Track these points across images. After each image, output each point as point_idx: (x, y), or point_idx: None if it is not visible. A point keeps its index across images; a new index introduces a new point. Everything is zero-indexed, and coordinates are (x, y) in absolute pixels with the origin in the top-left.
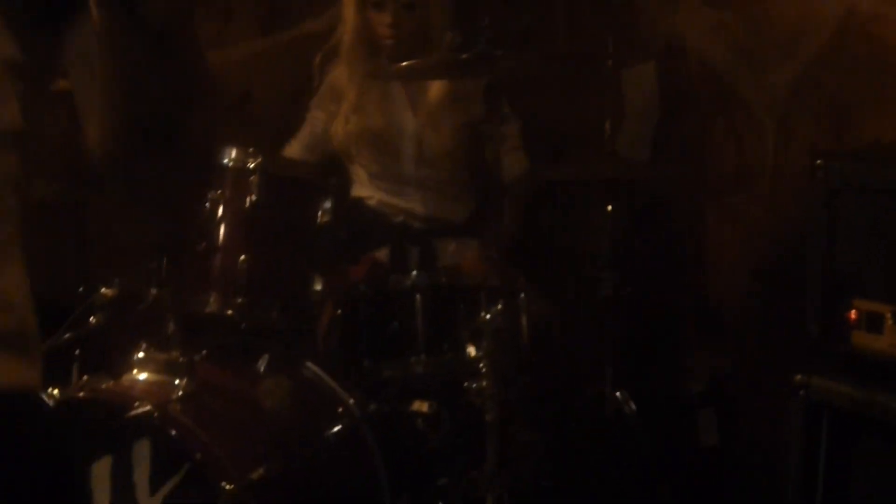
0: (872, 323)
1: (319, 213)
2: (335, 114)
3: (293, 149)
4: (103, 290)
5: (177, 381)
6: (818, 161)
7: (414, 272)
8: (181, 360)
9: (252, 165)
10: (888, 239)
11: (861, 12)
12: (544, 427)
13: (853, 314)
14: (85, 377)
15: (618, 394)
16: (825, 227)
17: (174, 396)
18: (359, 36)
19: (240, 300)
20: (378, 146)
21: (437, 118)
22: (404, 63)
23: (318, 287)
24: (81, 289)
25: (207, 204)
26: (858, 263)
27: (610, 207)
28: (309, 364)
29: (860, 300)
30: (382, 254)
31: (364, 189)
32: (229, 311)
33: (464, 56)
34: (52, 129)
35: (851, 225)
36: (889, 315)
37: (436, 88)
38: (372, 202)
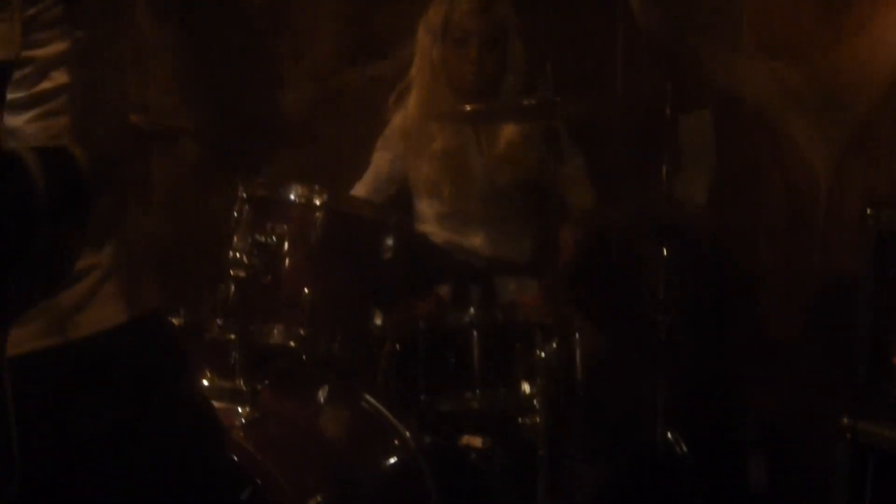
0: None
1: (382, 249)
2: (402, 155)
3: (359, 190)
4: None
5: (240, 409)
6: (869, 209)
7: (471, 309)
8: (245, 388)
9: (318, 201)
10: None
11: None
12: (596, 465)
13: None
14: None
15: (670, 435)
16: (875, 273)
17: (237, 423)
18: (438, 72)
19: (302, 332)
20: (449, 186)
21: (504, 159)
22: (468, 107)
23: (379, 322)
24: None
25: (274, 238)
26: None
27: (666, 251)
28: (368, 396)
29: None
30: (444, 291)
31: (429, 226)
32: (292, 343)
33: (526, 102)
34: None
35: None
36: None
37: (504, 130)
38: (437, 239)
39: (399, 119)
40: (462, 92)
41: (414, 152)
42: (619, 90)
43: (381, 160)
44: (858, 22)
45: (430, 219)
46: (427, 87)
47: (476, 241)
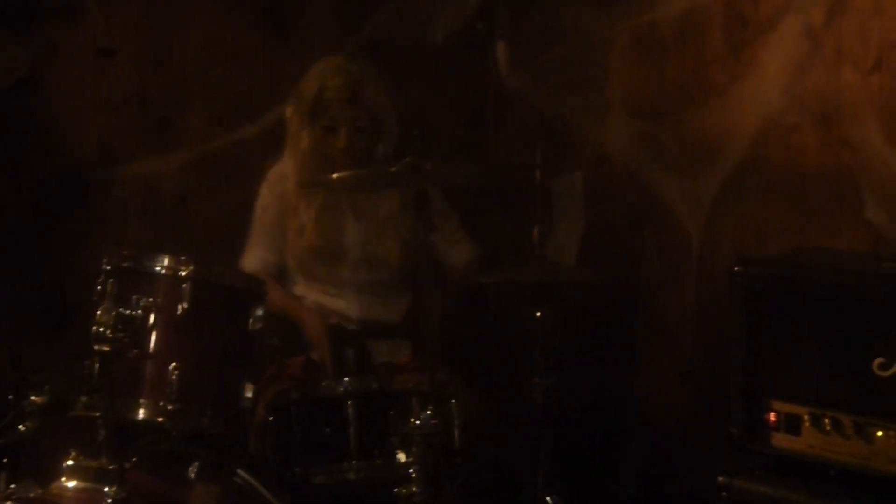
0: (791, 424)
1: (251, 319)
2: (288, 226)
3: (255, 252)
4: (33, 397)
5: (106, 489)
6: (737, 267)
7: (346, 378)
8: (111, 467)
9: (184, 273)
10: (805, 341)
11: (778, 123)
12: None
13: (772, 416)
14: (13, 485)
15: (549, 500)
16: (745, 330)
17: None
18: (311, 154)
19: (171, 407)
20: (325, 255)
21: (381, 227)
22: (336, 175)
23: (250, 394)
24: (11, 395)
25: (139, 311)
26: (777, 366)
27: (539, 313)
28: (240, 471)
29: (778, 402)
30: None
31: (300, 288)
32: (160, 418)
33: (393, 168)
34: None
35: (770, 328)
36: (806, 416)
37: (380, 199)
38: (308, 302)
39: (274, 179)
40: (334, 167)
41: (298, 227)
42: (490, 153)
43: (261, 227)
44: (724, 81)
45: (300, 283)
46: (299, 162)
47: (347, 305)
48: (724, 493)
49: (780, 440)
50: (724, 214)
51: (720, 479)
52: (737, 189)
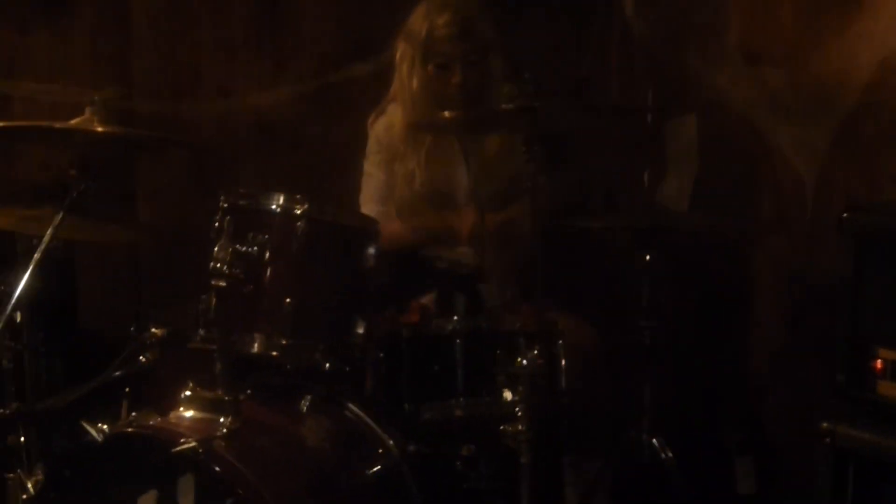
0: None
1: (364, 257)
2: (396, 172)
3: (370, 208)
4: (153, 329)
5: (221, 419)
6: (846, 213)
7: (455, 317)
8: (226, 398)
9: (299, 211)
10: None
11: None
12: (582, 471)
13: (879, 364)
14: (134, 413)
15: (654, 440)
16: (853, 278)
17: (219, 434)
18: (423, 95)
19: (284, 342)
20: (435, 201)
21: (489, 170)
22: (448, 114)
23: (361, 330)
24: (133, 328)
25: (255, 247)
26: (885, 313)
27: (648, 257)
28: (350, 405)
29: (886, 350)
30: (428, 299)
31: None
32: (274, 353)
33: (504, 107)
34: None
35: (879, 275)
36: None
37: (488, 141)
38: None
39: (381, 130)
40: (447, 106)
41: (409, 171)
42: (612, 97)
43: (373, 178)
44: (838, 25)
45: (408, 228)
46: (411, 108)
47: (460, 250)
48: (826, 440)
49: (887, 388)
50: (838, 161)
51: (823, 425)
52: (852, 135)
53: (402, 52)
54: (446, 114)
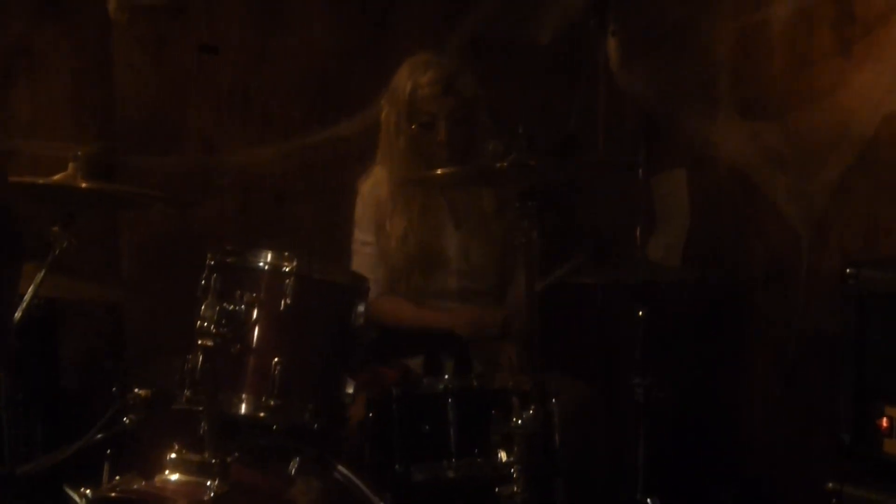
0: None
1: (353, 315)
2: (389, 234)
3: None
4: (137, 390)
5: (209, 483)
6: (849, 269)
7: (446, 376)
8: (213, 461)
9: (287, 268)
10: None
11: (893, 123)
12: None
13: (885, 422)
14: (117, 477)
15: (649, 501)
16: (856, 334)
17: (206, 498)
18: (409, 154)
19: (272, 402)
20: (428, 262)
21: (481, 230)
22: (440, 171)
23: (350, 390)
24: (115, 388)
25: (243, 305)
26: (890, 370)
27: (641, 312)
28: (340, 467)
29: (892, 407)
30: (416, 363)
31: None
32: (262, 413)
33: (498, 165)
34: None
35: (883, 332)
36: None
37: (483, 199)
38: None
39: (368, 191)
40: (433, 165)
41: (400, 233)
42: (600, 153)
43: (366, 247)
44: (835, 80)
45: (404, 294)
46: (398, 167)
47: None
48: (834, 500)
49: (893, 446)
50: (834, 214)
51: (830, 485)
52: (848, 189)
53: (387, 111)
54: (438, 171)
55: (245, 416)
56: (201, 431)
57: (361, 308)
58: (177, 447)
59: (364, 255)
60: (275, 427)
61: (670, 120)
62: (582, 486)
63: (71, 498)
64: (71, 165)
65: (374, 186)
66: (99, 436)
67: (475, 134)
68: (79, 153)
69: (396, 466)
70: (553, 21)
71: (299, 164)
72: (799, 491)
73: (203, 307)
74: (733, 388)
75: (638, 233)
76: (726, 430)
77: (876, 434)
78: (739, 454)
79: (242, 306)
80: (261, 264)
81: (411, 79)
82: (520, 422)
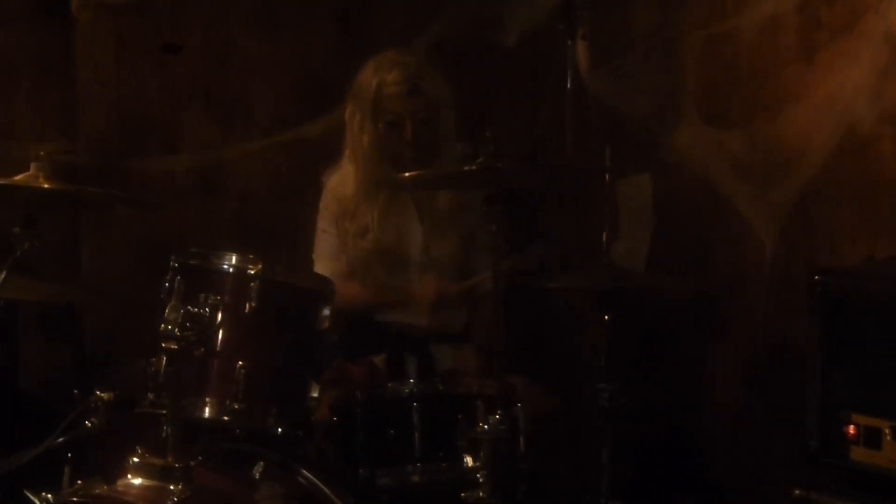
0: (871, 438)
1: (318, 319)
2: (347, 230)
3: (323, 264)
4: (99, 392)
5: (171, 487)
6: (815, 277)
7: (411, 380)
8: (177, 465)
9: (252, 271)
10: (885, 354)
11: (860, 132)
12: None
13: (851, 429)
14: (79, 482)
15: None
16: (823, 341)
17: (169, 502)
18: (374, 152)
19: (236, 406)
20: (388, 259)
21: (443, 227)
22: (408, 174)
23: (315, 394)
24: (77, 391)
25: (207, 308)
26: (856, 378)
27: (606, 317)
28: (304, 471)
29: (858, 415)
30: (380, 360)
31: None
32: (226, 417)
33: (466, 168)
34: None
35: (849, 340)
36: (888, 430)
37: (443, 198)
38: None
39: (336, 194)
40: (400, 166)
41: (360, 229)
42: (568, 155)
43: (328, 237)
44: (799, 89)
45: (366, 290)
46: (363, 165)
47: (412, 312)
48: None
49: (860, 454)
50: (799, 222)
51: (796, 492)
52: (813, 198)
53: (351, 109)
54: (406, 175)
55: (209, 419)
56: (164, 435)
57: (326, 312)
58: (139, 451)
59: (325, 243)
60: (238, 431)
61: (637, 125)
62: (546, 491)
63: (31, 501)
64: (33, 166)
65: (339, 182)
66: (60, 439)
67: (441, 134)
68: (41, 153)
69: (361, 471)
70: (519, 24)
71: (263, 164)
72: (761, 497)
73: (167, 310)
74: (698, 395)
75: (604, 238)
76: (690, 435)
77: (843, 441)
78: (703, 460)
79: (207, 309)
80: (225, 267)
81: (377, 76)
82: (486, 427)
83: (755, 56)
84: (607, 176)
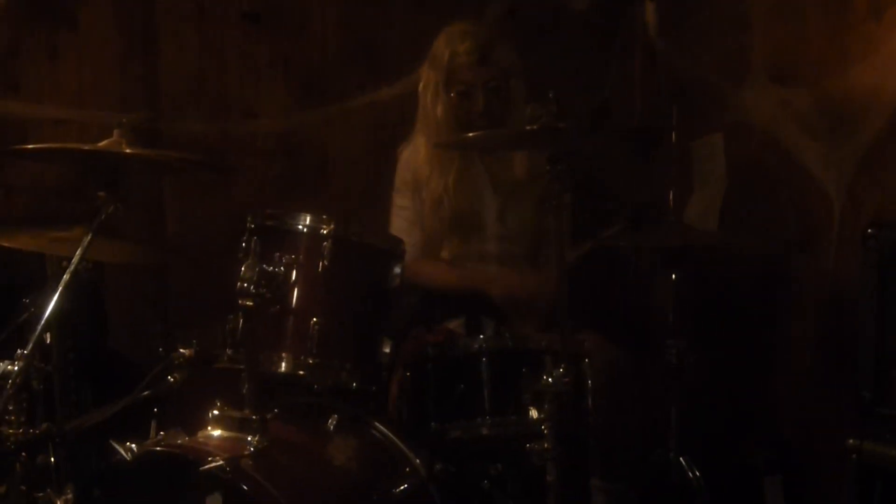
0: None
1: (390, 277)
2: (423, 200)
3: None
4: (181, 349)
5: (249, 438)
6: (869, 230)
7: (481, 336)
8: (254, 417)
9: (325, 231)
10: None
11: None
12: (609, 491)
13: None
14: (162, 433)
15: (682, 460)
16: (876, 294)
17: (246, 452)
18: (447, 122)
19: (311, 361)
20: (464, 226)
21: (517, 195)
22: (471, 134)
23: (388, 350)
24: (161, 348)
25: (282, 267)
26: None
27: (675, 275)
28: (377, 424)
29: None
30: (457, 325)
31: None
32: (301, 372)
33: (527, 128)
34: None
35: None
36: None
37: (515, 164)
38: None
39: (410, 166)
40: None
41: (435, 198)
42: (637, 117)
43: (403, 210)
44: (865, 46)
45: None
46: (435, 133)
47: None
48: (853, 456)
49: None
50: (865, 179)
51: (849, 441)
52: (879, 154)
53: (425, 79)
54: (470, 134)
55: (284, 374)
56: (243, 389)
57: (398, 270)
58: (219, 404)
59: (402, 220)
60: (313, 385)
61: (705, 86)
62: (615, 445)
63: (118, 452)
64: (116, 132)
65: (412, 153)
66: (145, 393)
67: (512, 102)
68: (123, 120)
69: (432, 424)
70: None
71: (340, 129)
72: (828, 452)
73: (243, 269)
74: (765, 352)
75: (671, 197)
76: (758, 392)
77: (895, 392)
78: (771, 415)
79: (281, 268)
80: (299, 227)
81: (449, 47)
82: (550, 380)
83: (822, 13)
84: (674, 136)
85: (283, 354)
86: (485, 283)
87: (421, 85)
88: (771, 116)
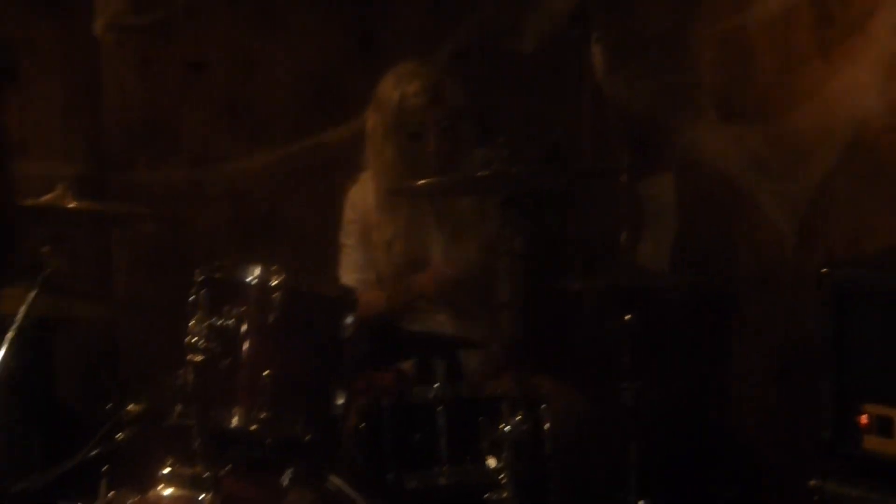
0: (883, 427)
1: (342, 327)
2: (374, 243)
3: (351, 278)
4: (130, 406)
5: (202, 496)
6: (824, 269)
7: (436, 385)
8: (206, 474)
9: (275, 282)
10: None
11: (873, 125)
12: None
13: (864, 419)
14: (112, 492)
15: (642, 502)
16: (835, 332)
17: None
18: (397, 164)
19: (264, 415)
20: (410, 266)
21: (463, 235)
22: (423, 181)
23: (341, 401)
24: (110, 405)
25: (231, 320)
26: (869, 368)
27: (629, 317)
28: (333, 477)
29: (871, 405)
30: (408, 366)
31: None
32: (253, 426)
33: (479, 174)
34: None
35: (861, 330)
36: None
37: (462, 206)
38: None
39: (356, 200)
40: (422, 177)
41: (377, 235)
42: (586, 160)
43: (352, 250)
44: (815, 83)
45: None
46: (385, 175)
47: (440, 318)
48: (815, 498)
49: (873, 443)
50: (818, 216)
51: (811, 482)
52: (831, 190)
53: (373, 121)
54: (421, 181)
55: (237, 428)
56: (194, 445)
57: (349, 319)
58: (170, 461)
59: (349, 257)
60: (266, 439)
61: (655, 125)
62: (575, 490)
63: None
64: (60, 186)
65: (362, 195)
66: (94, 452)
67: (463, 143)
68: (67, 173)
69: (389, 475)
70: (536, 30)
71: (289, 174)
72: (789, 490)
73: (192, 323)
74: (723, 391)
75: (623, 238)
76: (718, 431)
77: (855, 431)
78: (732, 454)
79: (231, 321)
80: (248, 279)
81: (398, 88)
82: (507, 428)
83: (769, 52)
84: (625, 176)
85: (235, 409)
86: (416, 290)
87: (368, 126)
88: (722, 154)
